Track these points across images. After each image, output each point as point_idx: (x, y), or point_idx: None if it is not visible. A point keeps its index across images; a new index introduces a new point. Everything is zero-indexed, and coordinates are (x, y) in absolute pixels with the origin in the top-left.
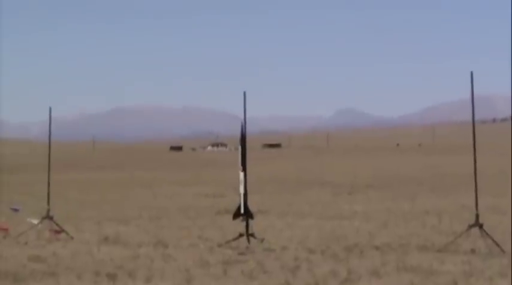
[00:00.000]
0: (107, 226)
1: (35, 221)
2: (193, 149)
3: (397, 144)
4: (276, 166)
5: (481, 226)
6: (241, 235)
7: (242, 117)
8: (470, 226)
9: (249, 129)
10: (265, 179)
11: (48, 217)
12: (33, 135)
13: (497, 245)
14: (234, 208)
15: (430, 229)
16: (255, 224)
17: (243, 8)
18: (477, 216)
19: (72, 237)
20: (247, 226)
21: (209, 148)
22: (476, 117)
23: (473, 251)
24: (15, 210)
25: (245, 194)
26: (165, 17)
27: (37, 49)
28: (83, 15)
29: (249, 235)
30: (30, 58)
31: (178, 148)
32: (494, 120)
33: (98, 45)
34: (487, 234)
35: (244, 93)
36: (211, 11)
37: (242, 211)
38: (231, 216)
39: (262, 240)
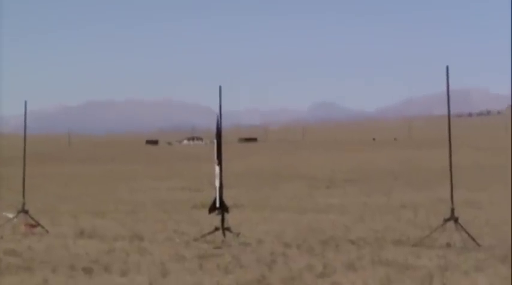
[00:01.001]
0: (83, 220)
1: (11, 215)
2: (169, 143)
3: (373, 139)
4: (252, 160)
5: (456, 220)
6: (216, 229)
7: (218, 110)
8: (446, 220)
9: (225, 123)
10: (241, 173)
11: (24, 210)
12: (10, 128)
13: (473, 239)
14: (210, 202)
15: (405, 222)
16: (231, 218)
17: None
18: (452, 210)
19: (47, 231)
20: (222, 219)
21: (185, 142)
22: (453, 111)
23: (448, 245)
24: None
25: (220, 188)
26: (144, 9)
27: (13, 41)
28: (59, 5)
29: (225, 228)
30: (7, 51)
31: (154, 142)
32: (470, 114)
33: (75, 37)
34: (462, 228)
35: (220, 87)
36: (189, 3)
37: (217, 204)
38: (207, 210)
39: (238, 234)
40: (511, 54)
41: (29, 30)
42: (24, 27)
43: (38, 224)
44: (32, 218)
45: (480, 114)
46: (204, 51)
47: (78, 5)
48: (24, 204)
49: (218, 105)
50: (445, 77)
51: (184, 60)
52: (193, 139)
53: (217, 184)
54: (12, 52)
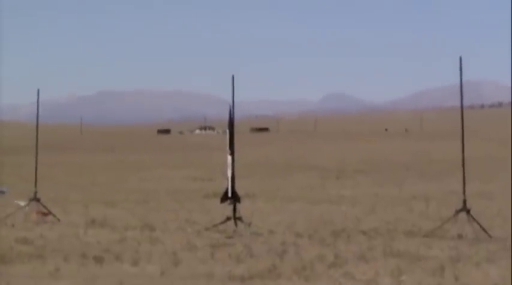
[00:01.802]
0: (94, 209)
1: (22, 203)
2: (181, 132)
3: (386, 129)
4: (264, 151)
5: (468, 211)
6: (228, 219)
7: (230, 100)
8: (458, 211)
9: (237, 113)
10: (253, 163)
11: (35, 199)
12: (22, 117)
13: (484, 230)
14: (221, 192)
15: (417, 214)
16: (243, 208)
17: None
18: (464, 201)
19: (59, 220)
20: (234, 209)
21: (197, 131)
22: (465, 103)
23: (460, 236)
24: (1, 192)
25: (232, 178)
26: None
27: (26, 31)
28: None
29: (236, 218)
30: (19, 40)
31: (166, 132)
32: (482, 106)
33: (86, 27)
34: (474, 219)
35: (233, 77)
36: None
37: (229, 194)
38: (218, 200)
39: (249, 224)
40: (511, 53)
41: (41, 20)
42: (36, 17)
43: (49, 213)
44: (44, 206)
45: (492, 106)
46: (216, 42)
47: None
48: (36, 192)
49: (230, 95)
50: (457, 69)
51: (196, 51)
52: (205, 128)
53: (229, 173)
54: (24, 42)
